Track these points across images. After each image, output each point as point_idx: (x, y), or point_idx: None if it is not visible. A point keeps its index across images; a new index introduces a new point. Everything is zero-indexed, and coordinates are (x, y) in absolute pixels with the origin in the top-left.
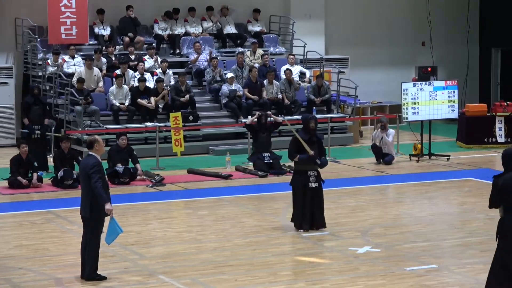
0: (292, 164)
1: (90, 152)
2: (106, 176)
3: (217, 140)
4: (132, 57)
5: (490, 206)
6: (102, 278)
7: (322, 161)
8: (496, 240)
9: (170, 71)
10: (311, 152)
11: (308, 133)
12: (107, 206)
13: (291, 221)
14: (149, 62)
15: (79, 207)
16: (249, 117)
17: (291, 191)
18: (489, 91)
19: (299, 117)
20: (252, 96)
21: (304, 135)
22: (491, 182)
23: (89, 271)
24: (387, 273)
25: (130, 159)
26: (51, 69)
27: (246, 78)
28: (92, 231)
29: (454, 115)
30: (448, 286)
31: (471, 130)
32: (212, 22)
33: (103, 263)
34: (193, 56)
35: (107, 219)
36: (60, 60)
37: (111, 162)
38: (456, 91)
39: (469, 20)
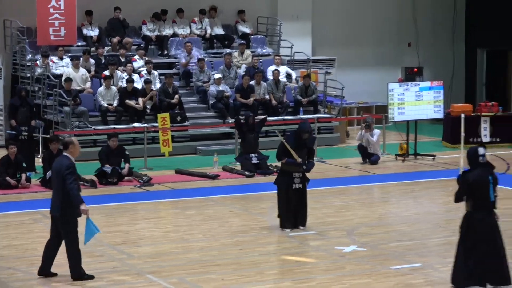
0: (279, 164)
1: (64, 153)
2: (95, 176)
3: (205, 141)
4: (123, 59)
5: (456, 201)
6: (90, 277)
7: (309, 165)
8: (460, 232)
9: (156, 72)
10: (299, 160)
11: (298, 140)
12: (83, 207)
13: (278, 216)
14: (138, 62)
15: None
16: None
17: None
18: (474, 92)
19: (286, 117)
20: (245, 100)
21: (294, 139)
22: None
23: (75, 272)
24: (372, 272)
25: (123, 159)
26: (39, 70)
27: (234, 79)
28: (69, 233)
29: (440, 115)
30: (433, 284)
31: (456, 130)
32: (202, 25)
33: (91, 263)
34: (183, 59)
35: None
36: (48, 61)
37: (101, 163)
38: (441, 91)
39: (455, 21)
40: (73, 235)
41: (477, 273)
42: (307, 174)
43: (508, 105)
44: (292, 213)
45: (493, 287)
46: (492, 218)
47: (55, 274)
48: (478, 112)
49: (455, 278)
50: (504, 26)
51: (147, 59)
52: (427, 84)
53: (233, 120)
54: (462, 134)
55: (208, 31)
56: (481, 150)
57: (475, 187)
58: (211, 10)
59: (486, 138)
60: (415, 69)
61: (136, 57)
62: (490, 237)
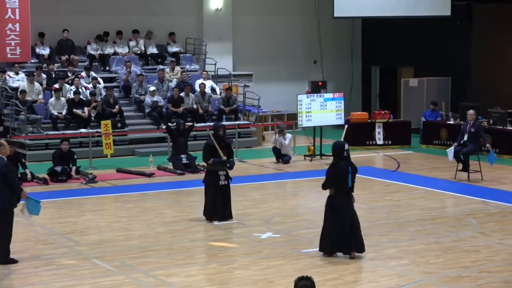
0: (205, 164)
1: None
2: (47, 175)
3: (142, 144)
4: (70, 74)
5: (324, 188)
6: (14, 262)
7: (230, 163)
8: (325, 211)
9: (100, 86)
10: (224, 158)
11: (217, 139)
12: (23, 192)
13: (203, 214)
14: (86, 79)
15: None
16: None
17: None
18: (369, 102)
19: (211, 124)
20: (175, 109)
21: (215, 138)
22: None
23: (3, 255)
24: (285, 255)
25: (71, 162)
26: None
27: (166, 91)
28: (4, 222)
29: (341, 121)
30: (336, 264)
31: (355, 134)
32: (137, 42)
33: (44, 249)
34: (124, 75)
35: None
36: (6, 76)
37: (54, 164)
38: (342, 101)
39: (353, 42)
40: (8, 225)
41: (337, 243)
42: (229, 172)
43: (398, 113)
44: (220, 207)
45: (349, 255)
46: (350, 200)
47: (15, 261)
48: (373, 119)
49: (322, 246)
50: (394, 47)
51: (94, 75)
52: (330, 95)
53: (165, 127)
54: (341, 139)
55: (142, 48)
56: (345, 146)
57: (338, 176)
58: (148, 33)
59: (380, 141)
60: (320, 83)
61: (83, 73)
62: (348, 215)
